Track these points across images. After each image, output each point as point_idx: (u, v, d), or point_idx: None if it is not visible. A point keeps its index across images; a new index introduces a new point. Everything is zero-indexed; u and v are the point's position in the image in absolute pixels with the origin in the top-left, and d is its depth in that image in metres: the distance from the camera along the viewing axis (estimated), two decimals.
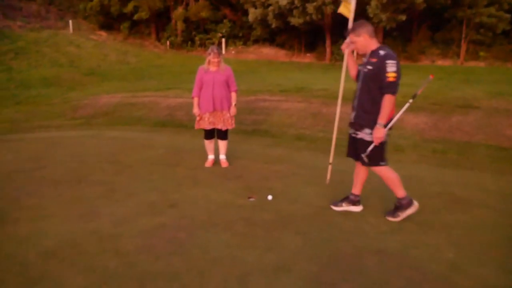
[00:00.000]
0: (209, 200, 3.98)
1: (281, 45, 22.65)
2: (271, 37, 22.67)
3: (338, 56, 19.75)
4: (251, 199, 4.02)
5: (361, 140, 3.39)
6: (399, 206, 3.46)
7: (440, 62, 18.11)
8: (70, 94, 12.70)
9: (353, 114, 3.46)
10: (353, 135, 3.49)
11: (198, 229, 3.30)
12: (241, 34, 23.72)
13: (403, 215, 3.44)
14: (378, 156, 3.36)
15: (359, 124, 3.39)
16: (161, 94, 10.75)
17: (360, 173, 3.64)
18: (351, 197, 3.70)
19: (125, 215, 3.58)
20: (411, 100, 3.37)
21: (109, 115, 9.98)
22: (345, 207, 3.68)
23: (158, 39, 24.86)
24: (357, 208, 3.68)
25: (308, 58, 21.50)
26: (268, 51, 22.56)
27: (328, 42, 20.25)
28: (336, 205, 3.73)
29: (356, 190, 3.69)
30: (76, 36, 22.12)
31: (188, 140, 6.96)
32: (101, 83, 14.48)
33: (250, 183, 4.54)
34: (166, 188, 4.35)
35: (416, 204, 3.45)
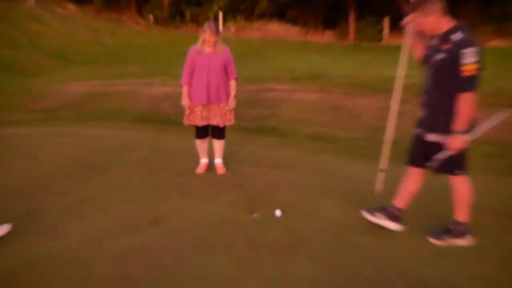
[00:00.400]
0: (202, 215, 3.96)
1: (293, 21, 22.65)
2: (281, 11, 22.69)
3: (364, 35, 19.71)
4: (254, 215, 4.00)
5: (434, 143, 3.31)
6: (451, 230, 3.39)
7: (494, 43, 17.99)
8: (30, 82, 12.74)
9: (423, 113, 3.40)
10: (422, 136, 3.42)
11: (188, 252, 3.28)
12: (243, 7, 23.72)
13: (450, 242, 3.38)
14: (455, 162, 3.27)
15: (430, 126, 3.33)
16: (143, 82, 10.77)
17: (412, 182, 3.53)
18: (391, 209, 3.58)
19: (97, 233, 3.56)
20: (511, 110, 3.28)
21: (78, 107, 10.01)
22: (379, 219, 3.59)
23: (140, 13, 24.95)
24: (395, 226, 3.59)
25: (326, 36, 21.48)
26: (276, 29, 22.57)
27: (352, 17, 20.22)
28: (369, 212, 3.63)
29: (400, 203, 3.57)
30: (38, 9, 22.21)
31: (176, 140, 6.96)
32: (68, 68, 14.53)
33: (254, 194, 4.51)
34: (148, 199, 4.33)
35: (469, 238, 3.39)
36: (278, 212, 3.99)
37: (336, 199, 4.35)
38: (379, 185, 4.10)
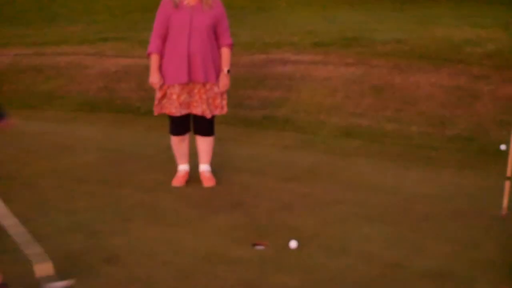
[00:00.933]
0: (180, 249, 3.97)
1: None
2: None
3: None
4: (259, 248, 4.01)
5: None
6: None
7: None
8: None
9: None
10: None
11: None
12: None
13: None
14: None
15: None
16: (90, 51, 10.76)
17: None
18: None
19: (23, 277, 3.56)
20: None
21: None
22: None
23: None
24: None
25: None
26: None
27: None
28: None
29: None
30: None
31: (141, 137, 6.98)
32: None
33: (257, 217, 4.52)
34: (101, 226, 4.34)
35: None
36: (293, 244, 4.00)
37: (379, 226, 4.35)
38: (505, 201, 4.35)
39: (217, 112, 5.08)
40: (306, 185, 5.23)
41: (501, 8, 11.03)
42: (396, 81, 8.04)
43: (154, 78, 5.00)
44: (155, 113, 5.12)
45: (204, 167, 5.27)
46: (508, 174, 4.51)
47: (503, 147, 6.04)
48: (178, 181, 5.24)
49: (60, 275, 3.59)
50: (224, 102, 5.13)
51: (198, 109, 5.03)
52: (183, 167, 5.30)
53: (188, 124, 5.19)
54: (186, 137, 5.22)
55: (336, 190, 5.09)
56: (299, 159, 6.06)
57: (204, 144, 5.22)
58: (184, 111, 5.04)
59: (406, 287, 3.50)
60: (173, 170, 5.31)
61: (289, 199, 4.90)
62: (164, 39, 4.98)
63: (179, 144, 5.23)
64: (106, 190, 5.08)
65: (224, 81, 5.04)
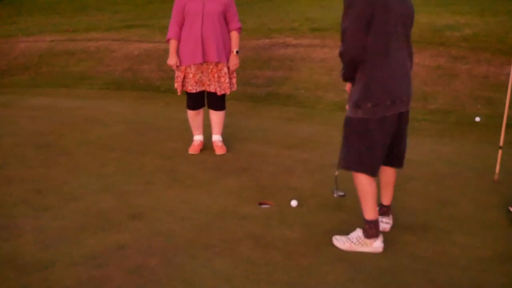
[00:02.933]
0: (196, 207, 4.02)
1: None
2: None
3: None
4: (264, 206, 4.05)
5: None
6: None
7: None
8: None
9: None
10: None
11: (179, 254, 3.34)
12: None
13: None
14: None
15: None
16: (116, 36, 10.72)
17: None
18: None
19: (61, 231, 3.63)
20: None
21: (32, 70, 10.02)
22: None
23: None
24: None
25: None
26: None
27: None
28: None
29: None
30: None
31: (161, 112, 7.00)
32: (16, 17, 14.48)
33: (263, 180, 4.55)
34: (127, 188, 4.39)
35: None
36: (294, 203, 4.04)
37: None
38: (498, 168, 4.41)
39: (227, 90, 5.07)
40: (305, 152, 5.24)
41: None
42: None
43: (171, 60, 5.00)
44: (179, 93, 5.09)
45: (216, 137, 5.30)
46: (501, 144, 4.51)
47: (477, 119, 6.04)
48: (193, 149, 5.26)
49: (87, 231, 3.64)
50: (234, 80, 5.14)
51: (211, 87, 5.03)
52: (198, 138, 5.32)
53: (203, 100, 5.19)
54: (200, 111, 5.24)
55: (332, 156, 5.07)
56: (299, 130, 6.07)
57: (217, 117, 5.24)
58: (199, 89, 5.05)
59: (392, 238, 3.52)
60: (189, 140, 5.33)
61: (290, 164, 4.93)
62: (181, 26, 4.97)
63: (194, 117, 5.25)
64: (131, 157, 5.12)
65: (234, 61, 5.04)
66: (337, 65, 8.13)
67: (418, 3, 11.04)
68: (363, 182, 3.31)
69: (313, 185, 4.43)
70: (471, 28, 8.08)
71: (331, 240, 3.48)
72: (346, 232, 3.52)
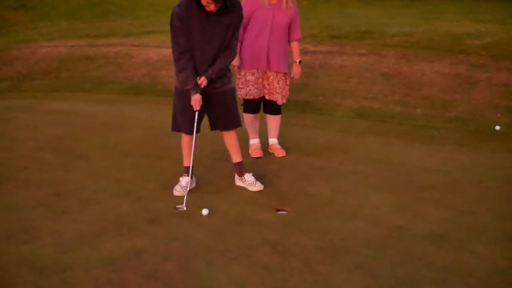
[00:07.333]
0: (213, 213, 4.03)
1: None
2: None
3: None
4: (281, 212, 4.05)
5: None
6: None
7: None
8: None
9: None
10: None
11: (196, 259, 3.35)
12: None
13: None
14: None
15: None
16: (135, 42, 10.80)
17: None
18: None
19: (79, 235, 3.66)
20: None
21: (52, 75, 10.11)
22: None
23: None
24: None
25: None
26: None
27: None
28: None
29: None
30: None
31: None
32: (37, 22, 14.62)
33: (280, 186, 4.55)
34: (145, 192, 4.41)
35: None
36: (205, 211, 3.98)
37: (386, 195, 4.35)
38: None
39: (284, 100, 5.24)
40: (323, 159, 5.23)
41: (498, 5, 10.84)
42: (403, 69, 7.96)
43: (235, 61, 4.93)
44: (244, 99, 5.19)
45: (273, 140, 5.44)
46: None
47: (497, 127, 5.98)
48: (256, 152, 5.33)
49: (105, 235, 3.65)
50: (287, 88, 5.27)
51: (271, 96, 5.16)
52: (256, 140, 5.42)
53: (260, 105, 5.33)
54: (258, 116, 5.36)
55: (349, 164, 5.09)
56: (317, 137, 6.06)
57: (274, 121, 5.40)
58: (261, 94, 5.18)
59: (409, 247, 3.51)
60: (206, 146, 5.31)
61: (308, 171, 4.93)
62: (244, 28, 4.97)
63: (252, 121, 5.35)
64: (149, 162, 5.15)
65: (297, 70, 5.23)
66: (356, 73, 8.15)
67: (438, 11, 11.00)
68: None
69: (330, 192, 4.42)
70: (491, 36, 8.02)
71: (349, 246, 3.48)
72: (361, 238, 3.50)
